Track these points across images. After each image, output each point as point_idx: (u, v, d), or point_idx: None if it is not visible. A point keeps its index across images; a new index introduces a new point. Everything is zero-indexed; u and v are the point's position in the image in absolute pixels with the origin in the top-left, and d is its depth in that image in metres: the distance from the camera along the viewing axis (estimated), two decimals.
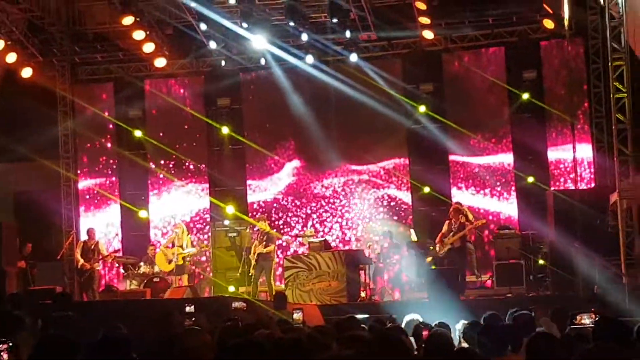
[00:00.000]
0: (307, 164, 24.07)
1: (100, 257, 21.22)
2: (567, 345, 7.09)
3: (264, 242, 20.31)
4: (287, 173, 24.19)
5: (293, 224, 23.89)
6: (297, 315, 12.69)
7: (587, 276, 17.70)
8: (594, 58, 21.20)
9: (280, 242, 22.59)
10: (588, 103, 22.02)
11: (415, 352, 8.60)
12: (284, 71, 23.43)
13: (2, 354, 6.09)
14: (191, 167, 24.56)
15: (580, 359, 5.55)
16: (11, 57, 22.45)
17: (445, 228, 20.19)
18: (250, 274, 20.59)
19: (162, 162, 24.63)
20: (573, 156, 21.47)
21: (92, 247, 21.21)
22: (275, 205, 24.04)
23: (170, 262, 21.19)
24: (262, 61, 23.19)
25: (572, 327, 9.46)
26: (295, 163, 24.17)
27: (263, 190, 24.23)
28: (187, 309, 12.25)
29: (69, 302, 11.41)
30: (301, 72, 23.09)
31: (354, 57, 22.52)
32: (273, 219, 23.47)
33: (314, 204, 23.97)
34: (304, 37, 22.15)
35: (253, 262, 20.31)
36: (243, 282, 21.54)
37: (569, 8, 20.13)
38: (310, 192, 24.03)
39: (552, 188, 21.82)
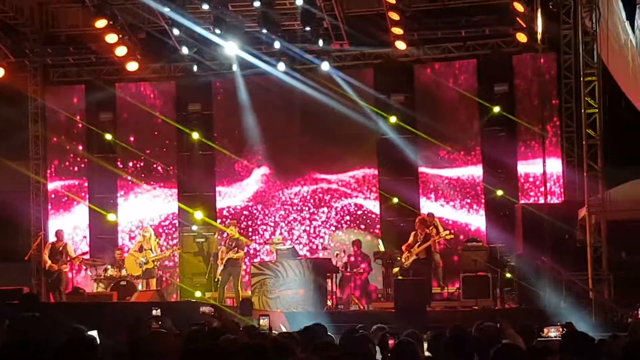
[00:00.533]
0: (276, 171, 24.07)
1: (68, 259, 21.14)
2: (532, 357, 7.11)
3: (234, 248, 20.28)
4: (255, 180, 24.19)
5: (261, 231, 23.88)
6: (263, 322, 12.69)
7: (554, 291, 17.80)
8: (566, 73, 21.32)
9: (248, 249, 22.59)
10: (559, 117, 22.14)
11: None
12: (255, 78, 23.44)
13: None
14: (161, 171, 24.50)
15: None
16: None
17: (411, 239, 20.24)
18: (216, 280, 20.54)
19: (131, 166, 24.57)
20: (543, 170, 21.56)
21: (60, 248, 21.16)
22: (244, 212, 24.02)
23: (140, 265, 21.12)
24: (234, 67, 23.19)
25: (538, 339, 9.51)
26: (264, 170, 24.17)
27: (232, 196, 24.21)
28: (154, 312, 12.20)
29: (36, 302, 11.35)
30: (272, 79, 23.09)
31: (325, 66, 22.55)
32: (242, 225, 23.45)
33: (282, 212, 23.97)
34: (277, 44, 22.16)
35: (220, 268, 20.27)
36: (210, 287, 21.48)
37: (542, 22, 20.24)
38: (278, 200, 24.03)
39: (522, 201, 21.89)
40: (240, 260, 20.53)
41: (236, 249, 20.30)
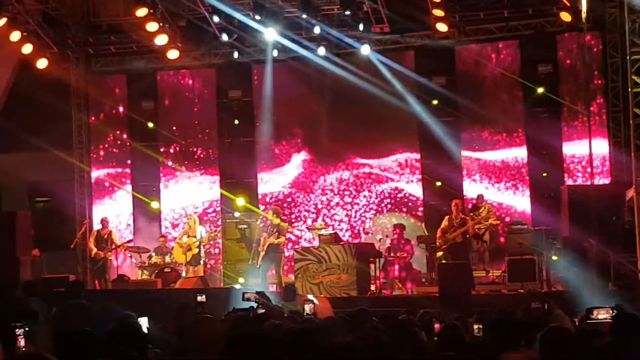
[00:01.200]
0: (316, 156, 24.03)
1: (113, 246, 21.30)
2: (582, 339, 7.01)
3: (275, 234, 20.26)
4: (295, 165, 24.16)
5: (303, 218, 23.86)
6: (307, 307, 12.66)
7: (601, 273, 17.59)
8: (612, 52, 21.05)
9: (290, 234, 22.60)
10: (605, 97, 21.86)
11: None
12: (294, 63, 23.40)
13: (19, 338, 6.10)
14: (202, 158, 24.57)
15: (596, 354, 5.49)
16: (27, 48, 22.50)
17: (445, 223, 20.13)
18: (258, 266, 20.53)
19: (173, 153, 24.66)
20: (589, 151, 21.33)
21: (106, 236, 21.38)
22: (287, 199, 24.02)
23: (186, 252, 21.28)
24: (274, 53, 23.14)
25: (587, 322, 9.38)
26: (304, 155, 24.12)
27: (273, 182, 24.22)
28: (199, 298, 12.22)
29: (81, 290, 11.40)
30: (312, 64, 23.03)
31: (366, 50, 22.42)
32: (284, 211, 23.46)
33: (323, 197, 23.94)
34: (317, 29, 22.07)
35: (262, 254, 20.26)
36: (253, 274, 21.51)
37: (586, 1, 19.97)
38: (320, 185, 24.00)
39: (567, 183, 21.68)
40: (282, 246, 20.48)
41: (277, 234, 20.26)
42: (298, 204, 24.02)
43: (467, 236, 20.13)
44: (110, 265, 21.37)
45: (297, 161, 24.17)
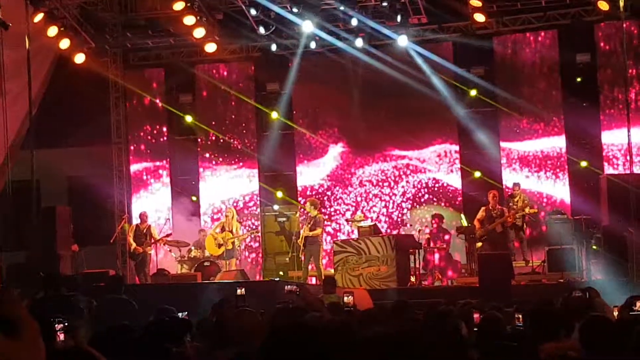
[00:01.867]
0: (354, 148, 24.05)
1: (153, 240, 21.39)
2: (623, 328, 6.97)
3: (312, 226, 20.24)
4: (333, 157, 24.18)
5: (342, 210, 23.88)
6: (347, 299, 12.66)
7: None
8: None
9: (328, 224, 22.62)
10: None
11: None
12: (332, 55, 23.41)
13: (58, 333, 6.15)
14: (241, 151, 24.63)
15: (637, 342, 5.46)
16: (64, 43, 22.62)
17: (482, 214, 20.07)
18: (300, 258, 20.56)
19: (212, 147, 24.76)
20: (628, 140, 21.16)
21: (145, 230, 21.45)
22: (325, 190, 24.06)
23: (219, 246, 21.27)
24: (312, 45, 23.15)
25: (631, 313, 9.31)
26: (342, 147, 24.14)
27: (311, 174, 24.25)
28: (239, 291, 12.26)
29: (121, 285, 11.49)
30: (350, 56, 23.05)
31: (403, 41, 22.37)
32: (323, 204, 23.55)
33: (361, 189, 23.94)
34: (354, 21, 22.07)
35: (301, 247, 20.28)
36: (293, 266, 21.57)
37: None
38: (358, 176, 24.01)
39: (606, 172, 21.55)
40: (319, 238, 20.41)
41: (314, 226, 20.24)
42: (337, 196, 24.04)
43: (506, 226, 20.06)
44: (149, 260, 21.44)
45: (335, 153, 24.19)
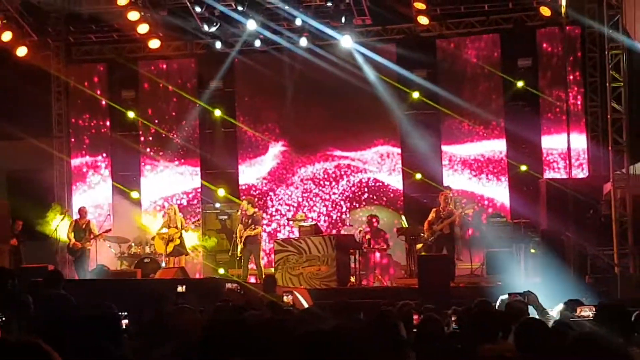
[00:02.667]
0: (296, 148, 24.06)
1: (92, 236, 21.14)
2: (558, 330, 7.06)
3: (251, 225, 20.12)
4: (274, 156, 24.19)
5: (284, 210, 23.90)
6: (287, 298, 12.71)
7: (578, 265, 17.69)
8: (591, 46, 21.19)
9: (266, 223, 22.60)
10: (583, 92, 22.03)
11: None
12: (276, 54, 23.41)
13: None
14: (183, 149, 24.52)
15: (572, 344, 5.51)
16: (6, 36, 22.41)
17: (432, 215, 20.15)
18: (238, 258, 20.43)
19: (154, 143, 24.62)
20: (567, 145, 21.45)
21: (84, 226, 21.19)
22: (264, 189, 24.07)
23: (168, 242, 21.06)
24: (257, 43, 23.14)
25: (572, 319, 9.44)
26: (283, 147, 24.16)
27: (253, 173, 24.24)
28: (179, 289, 12.23)
29: (60, 280, 11.36)
30: (294, 55, 23.08)
31: (347, 42, 22.43)
32: (263, 202, 23.58)
33: (302, 188, 23.98)
34: (298, 21, 22.09)
35: (240, 246, 20.14)
36: (233, 264, 21.50)
37: None
38: (299, 176, 24.04)
39: (546, 176, 21.80)
40: (259, 237, 20.35)
41: (253, 225, 20.11)
42: (278, 196, 24.05)
43: (453, 227, 20.14)
44: (88, 256, 21.18)
45: (275, 152, 24.19)
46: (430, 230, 19.95)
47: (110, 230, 21.79)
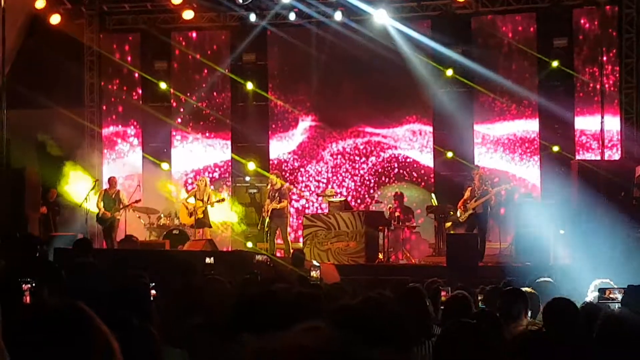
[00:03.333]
0: (327, 122, 23.98)
1: (121, 206, 21.17)
2: (587, 311, 7.01)
3: (277, 198, 20.07)
4: (304, 130, 24.15)
5: (312, 186, 23.90)
6: (314, 273, 12.69)
7: (610, 247, 17.55)
8: (627, 27, 20.98)
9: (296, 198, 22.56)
10: (619, 73, 21.81)
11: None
12: (310, 28, 23.33)
13: (25, 294, 6.07)
14: (214, 121, 24.53)
15: (602, 325, 5.48)
16: (40, 3, 22.43)
17: (467, 194, 20.01)
18: (265, 231, 20.40)
19: (185, 115, 24.64)
20: (601, 126, 21.28)
21: (114, 195, 21.21)
22: (293, 164, 24.06)
23: (190, 215, 21.08)
24: (291, 17, 23.06)
25: (601, 301, 9.37)
26: (313, 122, 24.10)
27: (284, 147, 24.22)
28: (207, 260, 12.24)
29: (89, 248, 11.41)
30: (328, 29, 22.99)
31: (382, 17, 22.32)
32: (294, 177, 23.58)
33: (332, 164, 23.94)
34: None
35: (267, 220, 20.10)
36: (262, 238, 21.52)
37: None
38: (328, 151, 23.99)
39: (578, 158, 21.64)
40: (286, 210, 20.18)
41: (279, 198, 20.02)
42: (308, 170, 24.03)
43: (489, 206, 19.96)
44: (117, 225, 21.16)
45: (306, 126, 24.14)
46: (464, 208, 19.82)
47: (139, 200, 21.82)
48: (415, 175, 23.50)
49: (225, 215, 22.96)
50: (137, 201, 21.58)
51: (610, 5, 21.68)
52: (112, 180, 21.61)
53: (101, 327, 2.80)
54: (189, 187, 23.41)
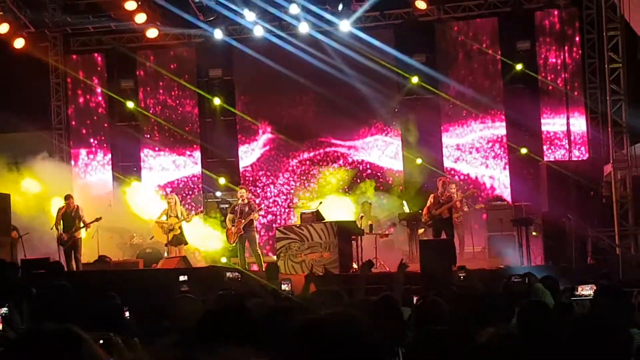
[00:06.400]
0: (294, 135, 23.99)
1: (82, 225, 20.21)
2: (560, 313, 7.08)
3: (246, 211, 20.00)
4: (268, 143, 24.20)
5: (281, 198, 23.91)
6: (285, 286, 12.67)
7: (580, 247, 17.70)
8: (589, 28, 21.17)
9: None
10: (582, 74, 22.01)
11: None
12: (275, 42, 23.36)
13: None
14: (183, 138, 24.52)
15: (574, 327, 5.53)
16: (3, 28, 22.38)
17: (430, 200, 20.11)
18: (233, 246, 20.27)
19: (154, 132, 24.62)
20: (567, 127, 21.44)
21: (73, 213, 20.19)
22: (257, 175, 24.11)
23: (168, 232, 20.80)
24: (256, 31, 23.09)
25: (572, 299, 9.45)
26: (274, 133, 24.15)
27: (252, 161, 24.26)
28: (181, 278, 12.23)
29: (62, 271, 11.39)
30: (292, 42, 23.03)
31: (346, 27, 22.43)
32: (260, 189, 23.64)
33: (299, 175, 23.98)
34: (295, 8, 22.09)
35: (237, 235, 20.00)
36: (235, 253, 21.47)
37: None
38: (297, 163, 24.03)
39: (546, 159, 21.79)
40: (254, 224, 20.20)
41: (250, 211, 19.90)
42: (273, 182, 24.07)
43: (454, 212, 20.09)
44: (80, 245, 20.28)
45: (268, 137, 24.20)
46: (428, 214, 19.92)
47: (100, 218, 20.90)
48: (384, 183, 23.54)
49: (201, 232, 22.88)
50: (97, 219, 20.78)
51: (571, 7, 21.87)
52: (68, 197, 20.50)
53: (96, 351, 2.83)
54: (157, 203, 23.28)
